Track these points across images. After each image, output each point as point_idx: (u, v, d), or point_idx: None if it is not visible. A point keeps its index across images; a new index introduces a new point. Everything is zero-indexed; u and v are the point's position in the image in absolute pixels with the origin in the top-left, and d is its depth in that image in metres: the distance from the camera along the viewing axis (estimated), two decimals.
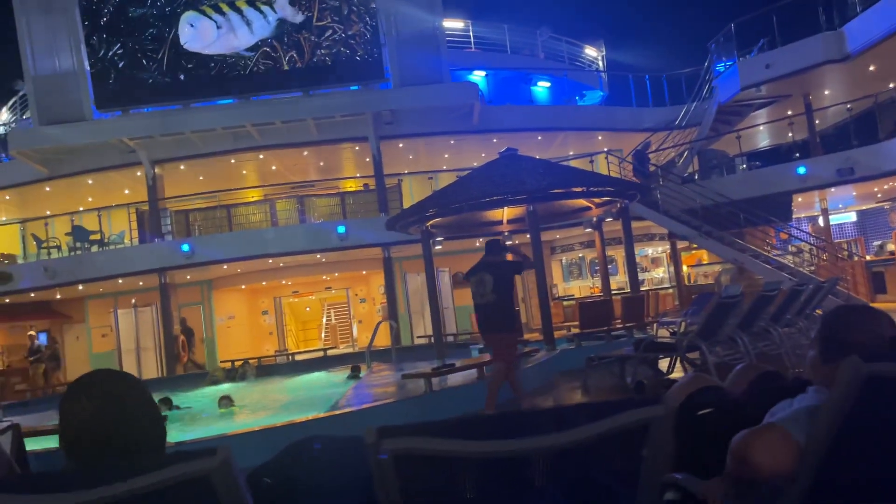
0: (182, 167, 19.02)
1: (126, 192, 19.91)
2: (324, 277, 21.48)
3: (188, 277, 19.11)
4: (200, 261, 17.07)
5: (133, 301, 18.96)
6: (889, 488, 1.61)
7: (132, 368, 17.42)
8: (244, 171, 20.43)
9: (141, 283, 18.51)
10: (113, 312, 18.42)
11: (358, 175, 21.03)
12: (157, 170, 18.36)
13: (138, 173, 18.49)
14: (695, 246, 18.20)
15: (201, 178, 20.05)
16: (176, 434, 6.44)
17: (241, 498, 1.38)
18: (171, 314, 17.55)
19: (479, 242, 19.35)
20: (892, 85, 16.03)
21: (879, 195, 20.09)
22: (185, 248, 16.83)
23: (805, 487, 1.57)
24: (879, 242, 21.27)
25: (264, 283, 20.94)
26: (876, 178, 15.88)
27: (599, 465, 1.40)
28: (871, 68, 15.84)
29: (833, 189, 17.06)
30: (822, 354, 1.77)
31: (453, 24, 21.88)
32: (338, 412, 6.77)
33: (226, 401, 8.75)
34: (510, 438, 1.22)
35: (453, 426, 1.25)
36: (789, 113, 18.59)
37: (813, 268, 16.40)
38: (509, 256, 7.86)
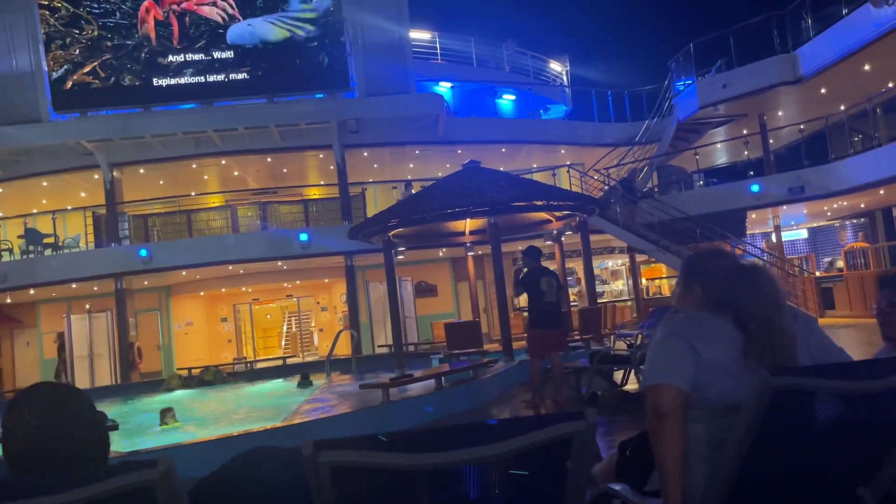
0: (141, 171, 18.72)
1: (83, 195, 19.51)
2: (285, 285, 21.33)
3: (145, 283, 18.78)
4: (159, 266, 16.81)
5: (87, 306, 18.54)
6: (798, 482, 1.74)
7: (85, 375, 17.02)
8: (205, 177, 20.20)
9: (96, 289, 18.13)
10: (66, 318, 17.99)
11: (322, 183, 20.96)
12: (115, 173, 18.04)
13: (95, 176, 18.14)
14: (653, 260, 18.58)
15: (161, 182, 19.76)
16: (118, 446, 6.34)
17: None
18: (126, 320, 17.21)
19: (442, 252, 19.53)
20: (842, 107, 16.62)
21: (829, 213, 20.79)
22: (143, 253, 16.56)
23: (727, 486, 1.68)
24: (829, 259, 22.00)
25: (224, 290, 20.69)
26: (825, 198, 16.43)
27: (529, 477, 1.48)
28: (823, 91, 16.42)
29: (785, 207, 17.60)
30: (685, 284, 2.20)
31: (420, 36, 22.02)
32: (289, 423, 6.75)
33: (168, 415, 8.32)
34: (440, 451, 1.28)
35: (388, 440, 1.31)
36: (745, 132, 19.15)
37: None
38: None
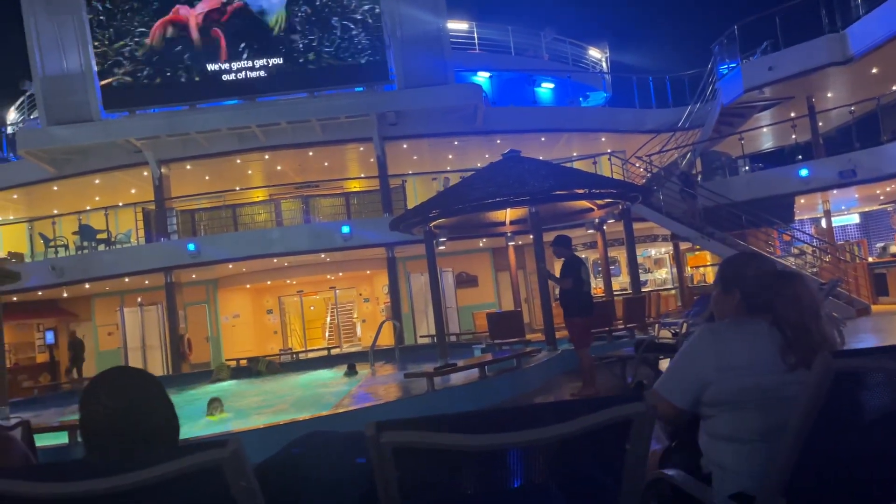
0: (188, 167, 19.15)
1: (133, 191, 20.06)
2: (328, 277, 21.60)
3: (193, 276, 19.23)
4: (206, 260, 17.20)
5: (139, 300, 19.11)
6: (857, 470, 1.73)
7: (138, 366, 17.44)
8: (249, 171, 20.56)
9: (147, 282, 18.64)
10: (119, 311, 18.57)
11: (362, 175, 21.14)
12: (163, 170, 18.49)
13: (145, 173, 18.63)
14: (698, 247, 18.25)
15: (207, 177, 20.18)
16: None
17: (252, 487, 1.46)
18: (176, 313, 17.68)
19: (483, 243, 19.52)
20: (894, 87, 16.05)
21: (882, 197, 20.10)
22: (191, 247, 16.97)
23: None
24: (882, 244, 21.28)
25: (269, 283, 21.06)
26: (878, 181, 15.90)
27: (588, 459, 1.49)
28: (874, 71, 15.87)
29: (835, 191, 17.08)
30: (722, 288, 2.25)
31: (457, 26, 21.98)
32: (340, 410, 6.87)
33: (215, 405, 8.47)
34: (501, 432, 1.31)
35: (447, 421, 1.34)
36: (792, 115, 18.62)
37: (815, 269, 16.44)
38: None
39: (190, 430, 7.07)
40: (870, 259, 18.95)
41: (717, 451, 2.00)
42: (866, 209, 22.55)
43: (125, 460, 1.44)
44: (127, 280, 18.05)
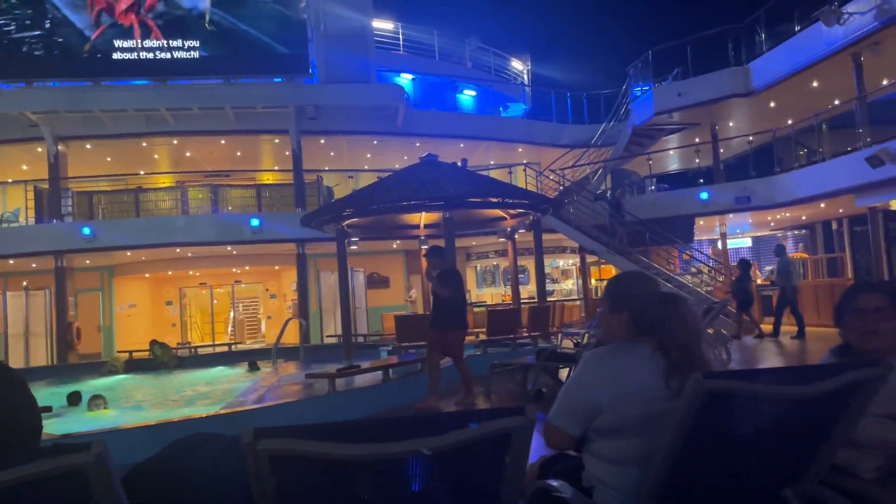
0: (88, 146, 18.13)
1: (24, 167, 18.80)
2: (234, 270, 20.97)
3: (87, 262, 18.22)
4: (102, 245, 16.32)
5: (25, 283, 17.89)
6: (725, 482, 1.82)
7: (19, 354, 16.44)
8: (156, 156, 19.68)
9: (34, 266, 17.50)
10: (1, 294, 17.32)
11: (276, 168, 20.66)
12: (60, 147, 17.42)
13: (39, 149, 17.48)
14: (603, 261, 18.89)
15: (109, 159, 19.19)
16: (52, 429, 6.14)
17: (116, 494, 1.39)
18: (66, 299, 16.68)
19: (396, 244, 19.49)
20: (790, 122, 17.17)
21: (773, 224, 21.48)
22: (87, 231, 16.05)
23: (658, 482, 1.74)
24: (770, 268, 22.71)
25: (170, 273, 20.22)
26: (770, 208, 16.97)
27: (469, 471, 1.49)
28: (772, 105, 16.95)
29: (731, 215, 18.11)
30: (610, 308, 2.27)
31: (383, 25, 21.88)
32: (232, 410, 6.65)
33: (95, 402, 7.94)
34: (380, 442, 1.29)
35: (326, 429, 1.31)
36: (697, 140, 19.63)
37: (710, 288, 17.33)
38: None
39: (68, 426, 6.66)
40: (759, 281, 20.17)
41: (599, 469, 2.06)
42: (758, 234, 24.03)
43: None
44: (12, 262, 16.89)
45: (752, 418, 1.76)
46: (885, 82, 14.50)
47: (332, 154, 20.25)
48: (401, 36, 22.62)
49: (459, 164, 17.90)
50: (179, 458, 2.04)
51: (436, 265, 7.73)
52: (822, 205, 16.47)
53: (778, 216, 19.19)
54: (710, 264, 19.01)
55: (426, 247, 15.30)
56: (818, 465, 1.85)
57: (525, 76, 27.56)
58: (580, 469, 2.14)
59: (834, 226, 19.84)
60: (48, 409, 7.04)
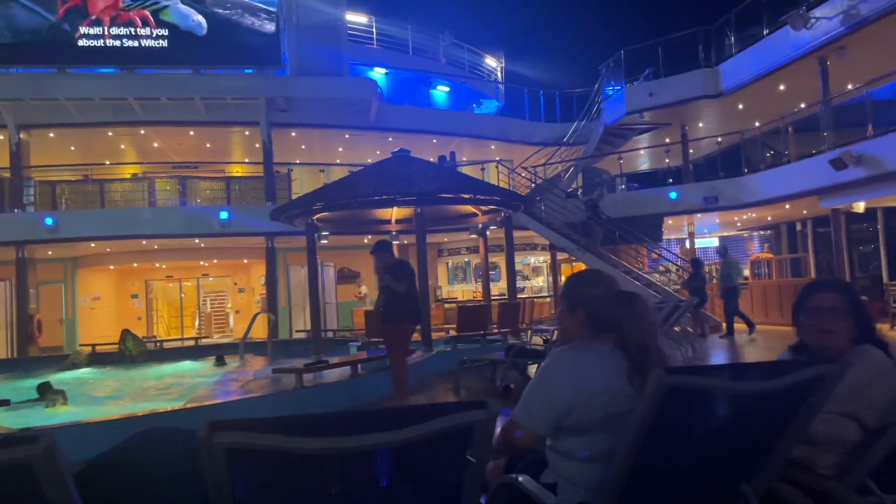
0: (52, 135, 17.71)
1: None
2: (202, 263, 20.68)
3: (50, 253, 17.82)
4: (65, 236, 15.97)
5: None
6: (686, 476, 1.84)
7: None
8: (122, 146, 19.30)
9: None
10: None
11: (246, 161, 20.41)
12: (22, 135, 17.00)
13: (1, 137, 17.04)
14: (574, 258, 19.03)
15: (73, 148, 18.77)
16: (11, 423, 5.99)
17: (66, 489, 1.35)
18: (27, 291, 16.29)
19: (367, 239, 19.37)
20: (757, 124, 17.45)
21: (739, 224, 21.84)
22: (49, 221, 15.68)
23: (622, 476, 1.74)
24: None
25: (136, 265, 19.87)
26: (737, 209, 17.24)
27: (431, 465, 1.48)
28: (740, 107, 17.21)
29: (699, 215, 18.36)
30: (568, 307, 2.23)
31: (356, 18, 21.72)
32: (193, 405, 6.54)
33: (53, 397, 7.67)
34: (338, 437, 1.27)
35: (284, 423, 1.28)
36: (667, 140, 19.86)
37: (678, 287, 17.57)
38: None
39: (28, 420, 6.50)
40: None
41: (562, 466, 2.06)
42: (725, 234, 24.41)
43: None
44: None
45: (712, 413, 1.77)
46: (849, 86, 14.79)
47: (303, 147, 20.07)
48: (374, 30, 22.48)
49: (448, 157, 17.91)
50: (135, 452, 2.00)
51: (384, 260, 7.56)
52: (787, 206, 16.79)
53: (744, 216, 19.51)
54: (678, 263, 19.26)
55: (397, 243, 15.30)
56: (775, 460, 1.88)
57: (499, 73, 27.61)
58: (544, 465, 2.14)
59: (798, 227, 20.23)
60: (6, 402, 6.83)
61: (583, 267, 20.74)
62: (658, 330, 2.04)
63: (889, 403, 2.07)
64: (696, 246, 20.77)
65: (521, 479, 2.20)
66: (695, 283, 14.05)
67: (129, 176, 19.01)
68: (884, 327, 12.69)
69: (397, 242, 15.46)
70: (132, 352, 12.93)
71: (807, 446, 2.07)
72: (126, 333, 13.41)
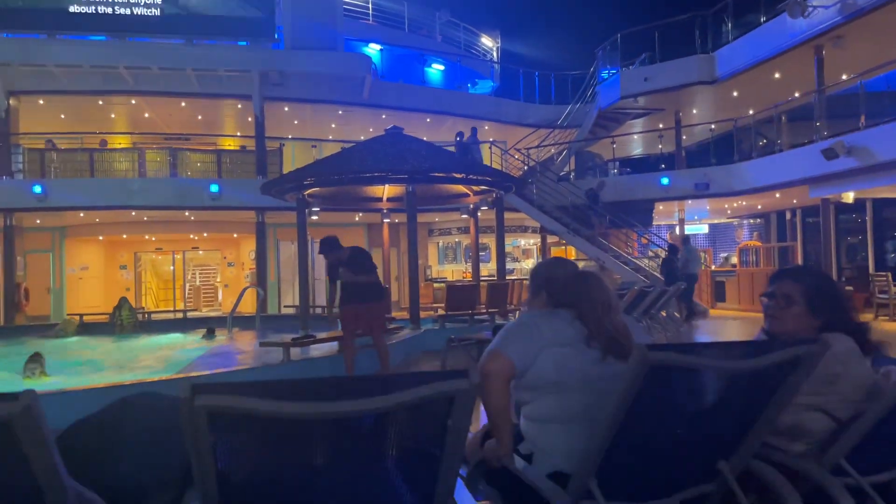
0: (41, 101, 17.48)
1: None
2: (191, 236, 20.57)
3: (38, 222, 17.67)
4: (54, 205, 15.82)
5: None
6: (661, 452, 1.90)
7: None
8: (113, 115, 19.08)
9: None
10: None
11: (238, 134, 20.24)
12: (11, 101, 16.77)
13: None
14: (564, 242, 19.07)
15: (63, 116, 18.55)
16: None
17: (47, 448, 1.35)
18: (14, 259, 16.18)
19: (358, 217, 19.34)
20: (751, 111, 17.45)
21: (729, 212, 21.93)
22: (38, 189, 15.53)
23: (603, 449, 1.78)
24: (725, 255, 23.26)
25: (125, 236, 19.74)
26: (728, 196, 17.30)
27: (410, 433, 1.49)
28: (735, 94, 17.20)
29: (690, 201, 18.42)
30: (533, 291, 2.50)
31: None
32: (178, 376, 6.55)
33: (34, 366, 7.51)
34: (320, 402, 1.27)
35: (266, 387, 1.29)
36: (661, 126, 19.84)
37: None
38: None
39: (9, 387, 6.47)
40: (713, 267, 20.63)
41: (537, 434, 2.11)
42: (715, 221, 24.52)
43: None
44: None
45: (692, 391, 1.79)
46: (844, 76, 14.80)
47: (295, 122, 19.91)
48: (370, 5, 22.24)
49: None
50: (117, 416, 2.01)
51: (338, 256, 7.27)
52: (778, 195, 16.85)
53: (735, 204, 19.58)
54: (667, 249, 19.34)
55: (388, 221, 15.26)
56: (753, 439, 1.90)
57: (494, 53, 27.41)
58: (521, 439, 2.18)
59: (788, 216, 20.34)
60: None
61: (573, 251, 20.82)
62: (615, 304, 2.18)
63: (862, 394, 2.09)
64: (685, 232, 20.86)
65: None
66: (668, 266, 14.26)
67: (119, 146, 18.79)
68: (867, 317, 12.84)
69: (388, 220, 15.43)
70: (125, 321, 12.90)
71: (774, 436, 2.10)
72: (124, 301, 13.41)
